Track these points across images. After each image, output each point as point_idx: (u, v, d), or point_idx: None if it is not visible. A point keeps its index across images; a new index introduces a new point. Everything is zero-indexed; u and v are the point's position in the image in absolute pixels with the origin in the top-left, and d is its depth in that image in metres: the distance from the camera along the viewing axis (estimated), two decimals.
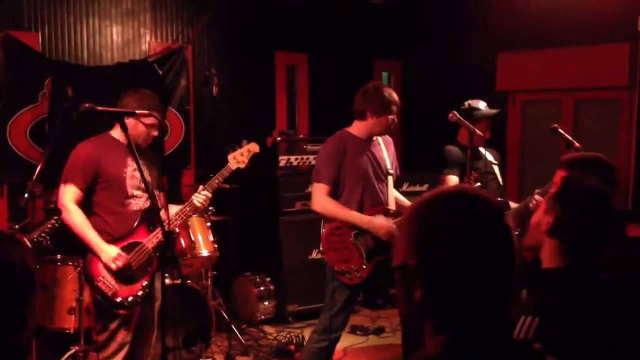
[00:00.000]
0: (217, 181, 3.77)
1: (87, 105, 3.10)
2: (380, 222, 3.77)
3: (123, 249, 3.59)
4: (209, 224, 4.88)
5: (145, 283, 3.63)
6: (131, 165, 3.61)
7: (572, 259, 1.86)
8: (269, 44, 6.37)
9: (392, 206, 3.96)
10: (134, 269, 3.60)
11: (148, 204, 3.65)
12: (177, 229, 3.95)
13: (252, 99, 6.26)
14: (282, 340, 5.06)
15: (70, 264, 4.39)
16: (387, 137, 4.07)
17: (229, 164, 3.81)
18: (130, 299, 3.58)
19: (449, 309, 1.21)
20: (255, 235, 5.90)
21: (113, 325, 3.68)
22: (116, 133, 3.69)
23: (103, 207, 3.64)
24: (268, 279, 5.65)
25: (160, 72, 5.60)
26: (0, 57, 4.90)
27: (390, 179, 4.00)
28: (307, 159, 5.98)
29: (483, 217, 1.23)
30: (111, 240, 3.60)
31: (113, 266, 3.53)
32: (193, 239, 4.72)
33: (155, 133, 3.68)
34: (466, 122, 3.95)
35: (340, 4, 6.39)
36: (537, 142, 6.47)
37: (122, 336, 3.70)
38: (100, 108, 3.15)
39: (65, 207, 3.52)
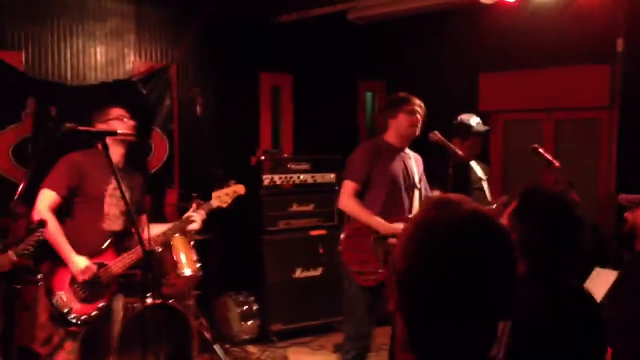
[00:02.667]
0: (193, 217, 3.85)
1: (68, 125, 3.11)
2: (396, 228, 3.79)
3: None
4: (192, 242, 4.87)
5: (102, 304, 3.59)
6: (113, 184, 3.60)
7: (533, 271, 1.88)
8: (254, 65, 6.41)
9: None
10: (92, 290, 3.55)
11: (121, 226, 3.65)
12: (158, 248, 3.94)
13: (237, 119, 6.29)
14: None
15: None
16: (419, 157, 4.18)
17: (211, 201, 3.90)
18: (83, 317, 3.54)
19: (422, 328, 1.18)
20: (238, 254, 5.89)
21: (58, 337, 3.66)
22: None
23: (77, 221, 3.63)
24: (251, 298, 5.64)
25: (144, 92, 5.61)
26: None
27: (417, 193, 4.06)
28: (291, 177, 6.01)
29: (490, 244, 1.17)
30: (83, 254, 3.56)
31: (79, 278, 3.49)
32: (176, 258, 4.70)
33: (124, 124, 3.71)
34: (446, 141, 4.02)
35: (325, 25, 6.45)
36: (519, 161, 6.53)
37: (70, 346, 3.66)
38: (82, 128, 3.18)
39: (40, 212, 3.51)
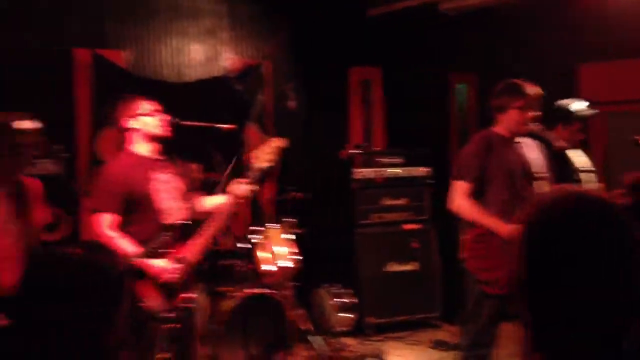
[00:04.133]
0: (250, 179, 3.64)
1: (172, 120, 3.17)
2: None
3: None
4: (287, 235, 4.91)
5: (185, 296, 3.50)
6: (158, 179, 3.54)
7: None
8: (344, 59, 6.42)
9: None
10: (177, 282, 3.46)
11: (180, 217, 3.55)
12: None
13: (328, 113, 6.31)
14: (363, 352, 5.02)
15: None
16: (532, 142, 3.95)
17: (253, 165, 3.64)
18: (171, 313, 3.43)
19: (551, 325, 1.13)
20: (332, 247, 5.91)
21: (153, 338, 3.60)
22: (140, 147, 3.57)
23: (137, 225, 3.50)
24: (348, 291, 5.64)
25: (239, 88, 5.72)
26: (89, 74, 5.13)
27: (541, 184, 3.81)
28: (383, 171, 5.98)
29: (589, 229, 1.11)
30: (150, 254, 3.42)
31: (163, 279, 3.41)
32: (273, 249, 4.76)
33: (165, 116, 3.60)
34: (546, 133, 3.84)
35: (414, 17, 6.38)
36: (621, 154, 6.25)
37: (162, 348, 3.61)
38: (185, 123, 3.22)
39: (104, 235, 3.42)
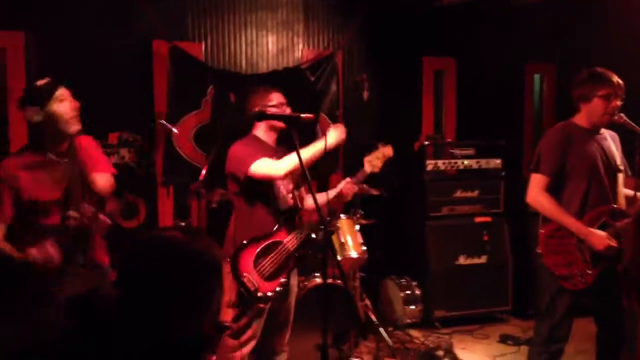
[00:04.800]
0: (358, 179, 3.85)
1: (257, 109, 3.25)
2: (598, 235, 3.50)
3: (266, 247, 3.64)
4: (357, 226, 4.96)
5: (283, 280, 3.69)
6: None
7: None
8: (417, 49, 6.37)
9: (621, 206, 3.66)
10: (275, 267, 3.65)
11: (289, 204, 3.75)
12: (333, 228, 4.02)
13: (400, 104, 6.29)
14: (430, 345, 5.04)
15: (228, 260, 4.65)
16: (614, 134, 3.81)
17: (364, 167, 3.83)
18: (269, 294, 3.65)
19: None
20: (402, 238, 5.93)
21: (250, 316, 3.80)
22: (260, 133, 3.77)
23: (257, 205, 3.70)
24: (414, 283, 5.65)
25: (312, 79, 5.79)
26: (166, 66, 5.30)
27: (621, 177, 3.70)
28: (455, 163, 5.93)
29: None
30: (256, 239, 3.64)
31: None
32: (343, 240, 4.82)
33: (287, 109, 3.74)
34: (633, 124, 3.68)
35: (488, 6, 6.26)
36: None
37: (255, 327, 3.80)
38: (270, 112, 3.30)
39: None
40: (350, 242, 4.85)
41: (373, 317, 5.09)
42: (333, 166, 6.03)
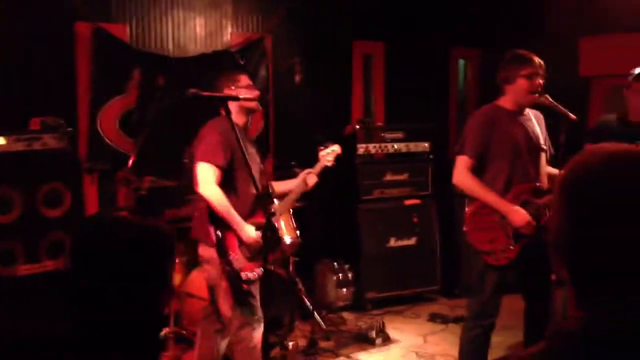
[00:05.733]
0: (316, 171, 4.06)
1: (192, 90, 3.16)
2: (518, 212, 3.60)
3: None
4: (290, 210, 4.94)
5: (262, 262, 3.68)
6: (250, 149, 3.69)
7: None
8: (347, 33, 6.39)
9: (544, 184, 3.78)
10: (259, 248, 3.65)
11: (260, 188, 3.71)
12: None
13: (330, 88, 6.30)
14: (363, 326, 5.10)
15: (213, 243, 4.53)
16: (538, 113, 3.91)
17: (320, 161, 4.06)
18: (251, 275, 3.67)
19: (592, 290, 1.14)
20: (334, 222, 5.96)
21: (253, 301, 3.76)
22: (234, 117, 3.63)
23: (234, 188, 3.69)
24: (347, 266, 5.70)
25: (242, 62, 5.70)
26: (90, 48, 5.10)
27: (543, 156, 3.82)
28: (385, 147, 5.99)
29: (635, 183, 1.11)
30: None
31: (253, 245, 3.64)
32: (277, 225, 4.78)
33: (256, 92, 3.79)
34: (557, 104, 3.80)
35: None
36: None
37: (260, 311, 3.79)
38: (206, 93, 3.23)
39: (206, 185, 3.57)
40: (284, 226, 4.83)
41: (306, 302, 5.10)
42: (264, 151, 5.97)
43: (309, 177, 4.02)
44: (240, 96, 3.48)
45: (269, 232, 3.28)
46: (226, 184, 3.67)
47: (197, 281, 4.56)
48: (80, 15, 5.04)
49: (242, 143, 3.30)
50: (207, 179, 3.58)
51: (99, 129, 5.15)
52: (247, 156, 3.48)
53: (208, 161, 3.60)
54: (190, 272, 4.67)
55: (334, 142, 4.29)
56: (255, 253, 3.68)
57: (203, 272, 4.58)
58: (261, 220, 3.65)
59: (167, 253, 1.54)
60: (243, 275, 3.65)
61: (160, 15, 5.43)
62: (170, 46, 5.49)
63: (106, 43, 5.13)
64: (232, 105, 3.60)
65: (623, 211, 1.10)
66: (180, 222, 4.81)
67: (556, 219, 1.18)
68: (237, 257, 3.65)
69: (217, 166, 3.60)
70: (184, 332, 4.49)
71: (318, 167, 4.06)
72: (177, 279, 4.63)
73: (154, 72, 5.17)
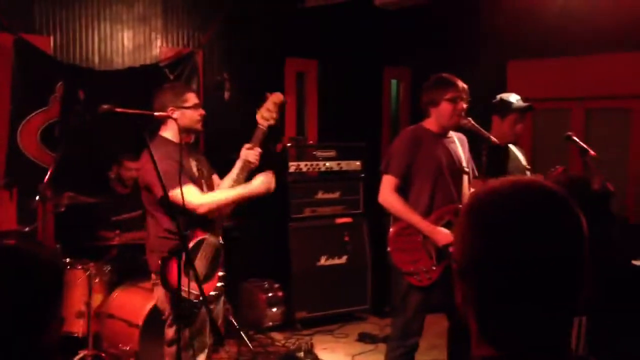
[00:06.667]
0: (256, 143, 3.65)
1: (105, 106, 3.04)
2: (441, 233, 3.63)
3: (193, 247, 3.40)
4: None
5: (220, 274, 3.52)
6: (188, 164, 3.50)
7: None
8: (279, 50, 6.37)
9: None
10: (207, 265, 3.44)
11: None
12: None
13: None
14: (291, 347, 5.03)
15: (80, 267, 4.39)
16: (462, 137, 3.96)
17: (259, 125, 3.64)
18: (211, 293, 3.46)
19: (497, 316, 1.11)
20: (263, 240, 5.89)
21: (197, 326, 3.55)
22: (169, 133, 3.49)
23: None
24: (276, 285, 5.63)
25: (171, 77, 5.60)
26: (11, 60, 4.91)
27: (466, 178, 3.86)
28: (317, 165, 5.97)
29: (543, 209, 1.10)
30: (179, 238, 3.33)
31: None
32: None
33: (202, 112, 3.55)
34: (479, 127, 3.87)
35: (350, 11, 6.39)
36: (547, 151, 6.44)
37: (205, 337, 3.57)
38: (119, 110, 3.09)
39: (201, 205, 3.35)
40: None
41: (234, 321, 5.01)
42: None
43: (247, 153, 3.63)
44: (155, 113, 3.36)
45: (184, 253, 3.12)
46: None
47: (118, 301, 4.41)
48: (1, 25, 4.85)
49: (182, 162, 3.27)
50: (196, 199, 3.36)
51: (19, 143, 4.95)
52: (192, 175, 3.45)
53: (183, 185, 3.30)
54: (112, 292, 4.51)
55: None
56: (208, 271, 3.45)
57: (129, 293, 4.44)
58: (202, 234, 3.45)
59: (54, 285, 1.47)
60: (193, 298, 3.35)
61: (86, 27, 5.28)
62: (96, 59, 5.35)
63: (28, 54, 4.95)
64: (171, 124, 3.45)
65: (523, 233, 1.10)
66: (102, 240, 4.67)
67: (461, 243, 1.16)
68: (185, 288, 3.30)
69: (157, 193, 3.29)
70: (103, 354, 4.32)
71: (258, 134, 3.66)
72: (97, 299, 4.47)
73: (77, 85, 5.01)
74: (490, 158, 3.78)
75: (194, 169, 3.58)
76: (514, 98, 4.27)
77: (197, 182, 3.48)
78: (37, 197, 4.20)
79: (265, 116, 3.63)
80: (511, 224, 1.10)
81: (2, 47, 4.89)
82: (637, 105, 5.82)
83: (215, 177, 3.78)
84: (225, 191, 3.48)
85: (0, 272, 1.42)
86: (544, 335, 1.10)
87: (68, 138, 4.56)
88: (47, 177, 4.16)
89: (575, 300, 1.11)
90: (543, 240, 1.08)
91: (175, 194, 3.21)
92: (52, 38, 5.12)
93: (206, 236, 3.48)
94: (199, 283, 3.03)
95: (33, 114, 4.99)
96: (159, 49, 5.68)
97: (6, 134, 4.88)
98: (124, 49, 5.49)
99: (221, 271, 3.55)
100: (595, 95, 6.06)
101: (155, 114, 3.37)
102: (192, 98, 3.55)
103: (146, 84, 5.39)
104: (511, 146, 4.24)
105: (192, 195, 3.32)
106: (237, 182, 3.58)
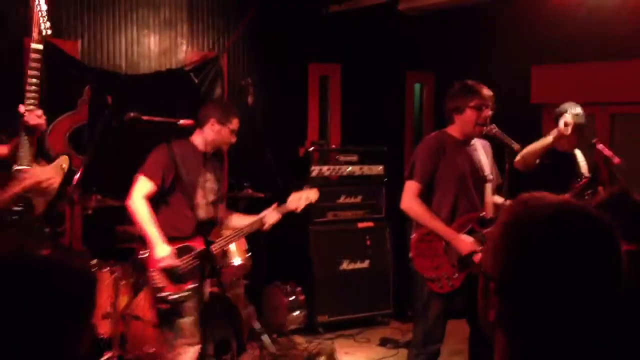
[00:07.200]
0: (266, 219, 3.90)
1: (132, 114, 3.13)
2: (464, 241, 3.63)
3: (179, 249, 3.63)
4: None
5: (191, 286, 3.65)
6: (204, 176, 3.74)
7: None
8: (303, 55, 6.40)
9: (489, 213, 3.81)
10: (183, 271, 3.63)
11: (207, 215, 3.78)
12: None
13: (285, 109, 6.29)
14: (313, 351, 5.05)
15: (106, 269, 4.45)
16: (486, 143, 3.97)
17: (287, 204, 3.91)
18: (174, 296, 3.62)
19: (527, 338, 1.10)
20: (286, 244, 5.90)
21: (181, 323, 3.71)
22: (197, 140, 3.76)
23: (171, 208, 3.69)
24: (298, 289, 5.65)
25: (196, 81, 5.66)
26: (40, 64, 4.98)
27: (489, 186, 3.86)
28: (339, 169, 5.99)
29: (587, 237, 1.09)
30: (174, 238, 3.64)
31: (159, 265, 3.58)
32: (226, 247, 4.73)
33: (234, 139, 3.82)
34: (505, 135, 3.86)
35: (374, 16, 6.40)
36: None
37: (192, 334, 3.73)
38: (146, 117, 3.17)
39: (135, 199, 3.58)
40: (235, 249, 4.78)
41: (256, 325, 5.04)
42: None
43: (269, 216, 3.88)
44: (180, 121, 3.49)
45: (206, 260, 3.25)
46: (160, 202, 3.67)
47: (143, 304, 4.46)
48: (31, 30, 4.92)
49: (182, 168, 3.46)
50: (138, 192, 3.59)
51: (46, 144, 5.02)
52: (194, 181, 3.59)
53: (146, 175, 3.61)
54: (138, 294, 4.57)
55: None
56: (173, 274, 3.61)
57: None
58: (197, 244, 3.65)
59: (86, 296, 1.48)
60: (163, 294, 3.60)
61: (113, 32, 5.36)
62: (123, 63, 5.42)
63: (56, 58, 5.03)
64: (199, 135, 3.72)
65: (570, 262, 1.08)
66: (129, 241, 4.73)
67: (499, 262, 1.15)
68: (157, 275, 3.59)
69: (154, 183, 3.60)
70: (128, 355, 4.37)
71: (282, 210, 3.90)
72: (123, 301, 4.53)
73: (105, 90, 5.07)
74: (551, 163, 3.80)
75: (207, 183, 3.77)
76: (571, 109, 4.34)
77: (189, 192, 3.63)
78: (65, 200, 4.26)
79: (297, 202, 3.90)
80: (552, 247, 1.09)
81: (30, 51, 4.96)
82: None
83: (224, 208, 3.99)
84: (150, 221, 3.57)
85: (34, 284, 1.43)
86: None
87: (96, 141, 4.62)
88: (75, 180, 4.21)
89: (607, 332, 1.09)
90: (571, 262, 1.07)
91: (138, 177, 3.59)
92: (79, 42, 5.20)
93: (198, 249, 3.65)
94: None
95: (61, 117, 5.07)
96: (184, 53, 5.73)
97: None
98: (150, 53, 5.56)
99: (193, 284, 3.65)
100: (619, 101, 6.01)
101: (180, 121, 3.45)
102: (236, 123, 3.82)
103: (172, 87, 5.48)
104: (576, 152, 4.34)
105: (138, 188, 3.59)
106: (241, 232, 3.91)
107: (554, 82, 6.36)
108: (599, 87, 6.02)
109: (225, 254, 4.72)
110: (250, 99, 5.44)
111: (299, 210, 3.90)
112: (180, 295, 3.63)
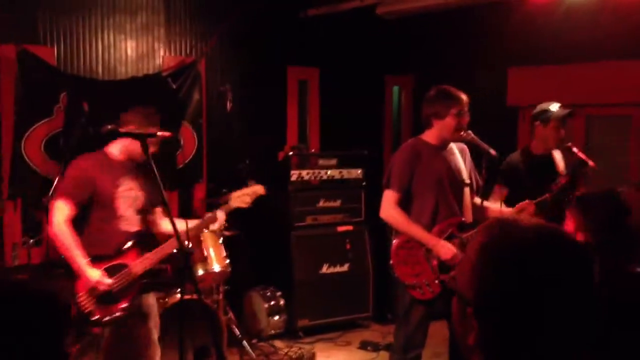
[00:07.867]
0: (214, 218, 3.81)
1: (109, 127, 3.11)
2: (445, 247, 3.65)
3: (107, 269, 3.52)
4: (221, 239, 4.89)
5: (125, 305, 3.56)
6: (124, 185, 3.61)
7: None
8: (281, 58, 6.40)
9: (468, 218, 3.84)
10: (115, 291, 3.53)
11: (140, 226, 3.67)
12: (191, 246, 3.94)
13: (264, 113, 6.29)
14: (293, 356, 5.06)
15: None
16: (464, 147, 3.98)
17: (230, 202, 3.82)
18: (106, 318, 3.53)
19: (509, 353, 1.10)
20: (266, 249, 5.91)
21: (81, 343, 3.68)
22: (114, 149, 3.66)
23: (95, 224, 3.60)
24: (278, 294, 5.65)
25: (174, 86, 5.64)
26: (15, 71, 4.94)
27: (467, 190, 3.87)
28: (319, 173, 6.00)
29: (564, 261, 1.11)
30: (97, 258, 3.53)
31: (99, 288, 3.48)
32: (205, 254, 4.72)
33: (154, 149, 3.60)
34: (480, 141, 3.89)
35: (353, 19, 6.42)
36: None
37: (91, 357, 3.68)
38: (122, 130, 3.16)
39: (55, 225, 3.48)
40: (214, 255, 4.77)
41: (236, 331, 5.04)
42: (196, 176, 5.91)
43: (211, 217, 3.82)
44: (158, 133, 3.43)
45: (185, 268, 3.20)
46: (83, 221, 3.59)
47: None
48: (5, 36, 4.89)
49: (97, 180, 3.48)
50: (57, 218, 3.49)
51: (23, 153, 4.99)
52: (111, 192, 3.54)
53: (61, 199, 3.53)
54: None
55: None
56: (106, 296, 3.51)
57: None
58: (129, 260, 3.57)
59: (59, 322, 1.47)
60: (95, 318, 3.49)
61: (89, 38, 5.32)
62: (100, 69, 5.38)
63: (32, 65, 4.99)
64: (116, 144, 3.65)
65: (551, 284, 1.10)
66: None
67: (476, 284, 1.15)
68: (84, 301, 3.48)
69: (71, 205, 3.51)
70: None
71: (225, 209, 3.83)
72: None
73: (81, 96, 5.04)
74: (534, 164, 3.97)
75: (131, 192, 3.65)
76: (554, 107, 4.35)
77: (108, 204, 3.56)
78: (42, 208, 4.24)
79: (241, 199, 3.80)
80: (527, 270, 1.10)
81: (5, 58, 4.92)
82: (638, 113, 5.84)
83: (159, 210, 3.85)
84: (73, 246, 3.47)
85: (10, 307, 1.42)
86: None
87: (72, 149, 4.58)
88: (52, 188, 4.18)
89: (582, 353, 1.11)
90: (546, 286, 1.08)
91: (55, 204, 3.51)
92: (55, 48, 5.16)
93: (131, 264, 3.58)
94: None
95: (37, 124, 5.02)
96: (161, 58, 5.71)
97: (11, 144, 4.91)
98: (127, 58, 5.52)
99: (126, 303, 3.56)
100: (595, 103, 6.08)
101: (158, 133, 3.42)
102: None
103: (149, 93, 5.44)
104: (554, 152, 4.32)
105: (56, 214, 3.49)
106: (185, 234, 3.55)
107: (530, 83, 6.42)
108: (575, 88, 6.08)
109: (205, 259, 4.71)
110: (229, 105, 5.44)
111: (246, 205, 3.81)
112: (114, 315, 3.54)
